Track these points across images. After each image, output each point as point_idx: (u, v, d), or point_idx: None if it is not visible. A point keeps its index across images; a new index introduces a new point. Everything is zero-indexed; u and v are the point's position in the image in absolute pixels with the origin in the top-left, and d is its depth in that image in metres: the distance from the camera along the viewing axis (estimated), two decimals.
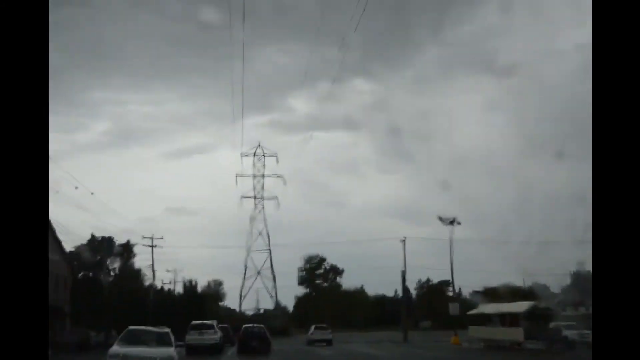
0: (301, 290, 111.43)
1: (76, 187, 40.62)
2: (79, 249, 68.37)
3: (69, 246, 59.60)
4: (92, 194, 45.02)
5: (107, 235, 72.56)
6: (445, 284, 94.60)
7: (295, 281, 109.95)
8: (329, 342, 49.05)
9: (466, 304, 68.07)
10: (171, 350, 18.12)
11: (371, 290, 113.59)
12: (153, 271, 68.37)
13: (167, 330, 19.49)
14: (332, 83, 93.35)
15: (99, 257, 69.99)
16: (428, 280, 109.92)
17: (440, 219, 52.31)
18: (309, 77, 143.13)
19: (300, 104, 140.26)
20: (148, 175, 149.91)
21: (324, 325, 54.77)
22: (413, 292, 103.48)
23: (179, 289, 79.31)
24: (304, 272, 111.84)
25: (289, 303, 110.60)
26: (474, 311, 48.07)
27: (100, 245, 70.65)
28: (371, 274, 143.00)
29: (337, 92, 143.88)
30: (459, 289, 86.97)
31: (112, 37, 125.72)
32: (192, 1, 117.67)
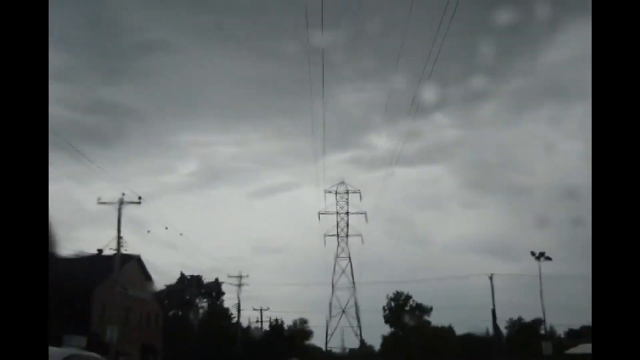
0: (387, 329, 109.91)
1: (166, 228, 41.79)
2: (169, 288, 70.13)
3: (160, 285, 61.25)
4: (181, 234, 46.14)
5: (195, 274, 74.17)
6: (538, 322, 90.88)
7: (381, 319, 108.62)
8: None
9: (561, 343, 65.01)
10: None
11: (460, 329, 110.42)
12: (239, 309, 69.12)
13: None
14: (412, 118, 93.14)
15: (188, 296, 71.44)
16: (520, 318, 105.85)
17: (533, 254, 50.45)
18: (389, 112, 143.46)
19: (381, 140, 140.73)
20: (234, 214, 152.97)
21: None
22: (504, 331, 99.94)
23: (265, 327, 79.78)
24: (390, 311, 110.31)
25: (375, 342, 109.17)
26: (571, 350, 45.79)
27: (190, 284, 72.16)
28: (459, 312, 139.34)
29: (417, 127, 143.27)
30: (550, 327, 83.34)
31: (199, 81, 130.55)
32: (273, 45, 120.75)
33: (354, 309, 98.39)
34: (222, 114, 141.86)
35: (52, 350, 7.06)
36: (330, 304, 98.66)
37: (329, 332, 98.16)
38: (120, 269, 37.72)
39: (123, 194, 36.94)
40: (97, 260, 39.94)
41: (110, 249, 37.31)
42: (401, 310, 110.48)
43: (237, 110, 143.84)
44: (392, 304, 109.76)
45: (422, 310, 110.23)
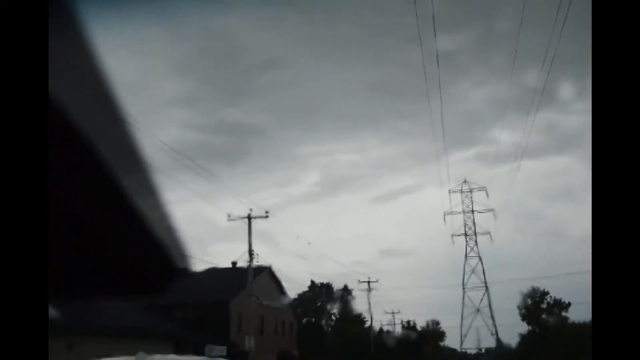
0: (525, 327, 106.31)
1: (297, 237, 43.19)
2: (301, 296, 72.07)
3: (292, 293, 63.10)
4: (309, 243, 47.42)
5: (325, 281, 75.63)
6: None
7: (517, 318, 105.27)
8: None
9: None
10: None
11: None
12: (371, 314, 69.74)
13: None
14: (536, 107, 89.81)
15: (319, 303, 72.95)
16: None
17: None
18: (511, 104, 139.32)
19: (505, 133, 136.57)
20: (359, 220, 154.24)
21: None
22: None
23: (397, 330, 79.88)
24: (526, 308, 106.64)
25: (512, 340, 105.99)
26: None
27: (320, 291, 73.63)
28: None
29: (542, 116, 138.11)
30: None
31: (317, 92, 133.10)
32: (389, 48, 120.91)
33: (487, 308, 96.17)
34: (341, 123, 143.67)
35: (198, 359, 7.82)
36: (463, 304, 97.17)
37: (464, 332, 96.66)
38: (253, 280, 39.40)
39: (251, 209, 38.61)
40: (232, 273, 41.99)
41: (244, 261, 39.11)
42: (537, 307, 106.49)
43: (355, 117, 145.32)
44: (529, 300, 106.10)
45: (561, 306, 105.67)
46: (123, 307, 27.83)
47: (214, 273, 39.36)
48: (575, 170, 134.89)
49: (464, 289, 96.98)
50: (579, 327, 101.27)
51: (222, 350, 31.53)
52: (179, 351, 22.57)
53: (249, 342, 36.47)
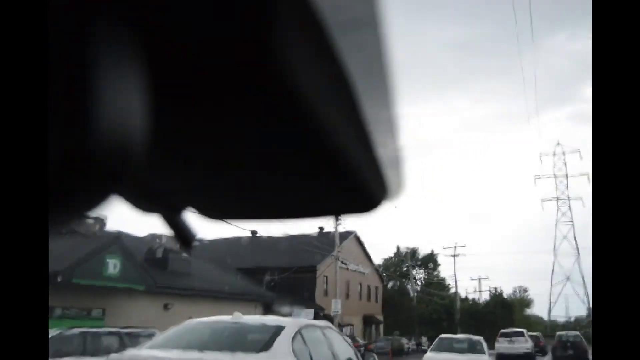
0: None
1: (395, 207, 43.09)
2: (386, 262, 72.36)
3: (377, 259, 63.47)
4: (395, 207, 47.30)
5: (410, 247, 75.61)
6: None
7: None
8: None
9: None
10: (484, 358, 18.32)
11: None
12: (455, 280, 69.18)
13: (479, 338, 19.69)
14: None
15: (405, 268, 73.06)
16: None
17: None
18: None
19: None
20: (447, 183, 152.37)
21: None
22: None
23: (484, 297, 79.04)
24: None
25: None
26: None
27: (405, 257, 73.70)
28: None
29: None
30: None
31: (402, 52, 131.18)
32: (473, 4, 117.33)
33: (579, 275, 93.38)
34: (428, 82, 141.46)
35: (289, 321, 7.97)
36: (552, 272, 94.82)
37: (552, 300, 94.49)
38: (339, 245, 39.76)
39: None
40: (319, 238, 42.48)
41: (330, 227, 39.47)
42: None
43: (442, 78, 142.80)
44: None
45: None
46: (214, 270, 28.74)
47: (301, 238, 39.95)
48: None
49: (554, 255, 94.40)
50: None
51: (308, 313, 32.08)
52: (268, 314, 23.12)
53: (336, 306, 36.89)
